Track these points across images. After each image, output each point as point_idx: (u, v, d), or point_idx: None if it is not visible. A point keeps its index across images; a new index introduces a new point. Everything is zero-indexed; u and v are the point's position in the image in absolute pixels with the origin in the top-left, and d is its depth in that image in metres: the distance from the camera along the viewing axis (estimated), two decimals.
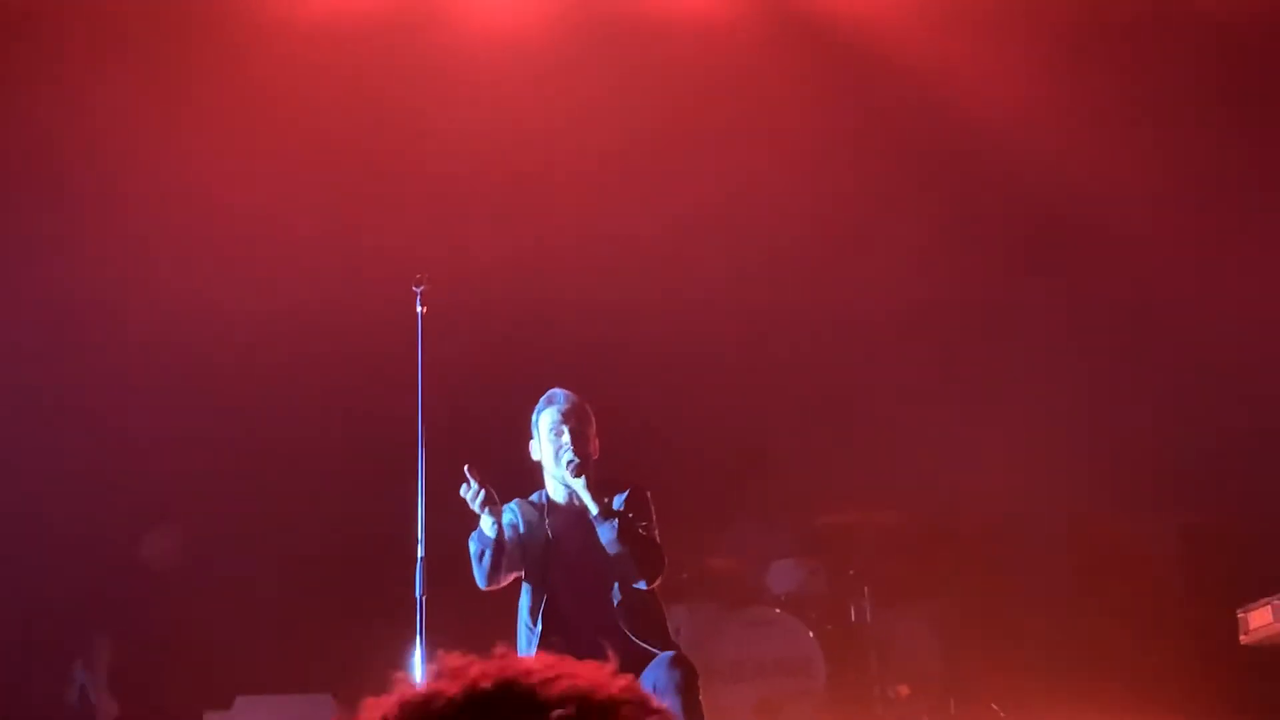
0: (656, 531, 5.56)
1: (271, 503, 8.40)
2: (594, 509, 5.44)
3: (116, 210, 8.28)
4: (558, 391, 5.64)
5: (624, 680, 1.41)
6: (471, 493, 5.31)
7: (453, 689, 1.38)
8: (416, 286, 5.66)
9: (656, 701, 1.41)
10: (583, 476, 5.44)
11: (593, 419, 5.63)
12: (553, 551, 5.52)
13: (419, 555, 5.41)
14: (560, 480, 5.57)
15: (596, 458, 5.59)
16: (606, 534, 5.41)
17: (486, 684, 1.38)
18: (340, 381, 8.34)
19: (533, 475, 5.71)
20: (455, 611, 5.86)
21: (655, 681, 5.22)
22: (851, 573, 8.51)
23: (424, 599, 5.35)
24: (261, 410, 8.40)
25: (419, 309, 5.65)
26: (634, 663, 5.31)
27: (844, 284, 8.76)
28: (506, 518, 5.47)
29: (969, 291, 8.89)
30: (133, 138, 8.10)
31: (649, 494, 5.63)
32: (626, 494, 5.55)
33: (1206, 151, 8.51)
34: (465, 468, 5.32)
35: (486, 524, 5.38)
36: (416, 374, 5.59)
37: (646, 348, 8.55)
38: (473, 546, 5.47)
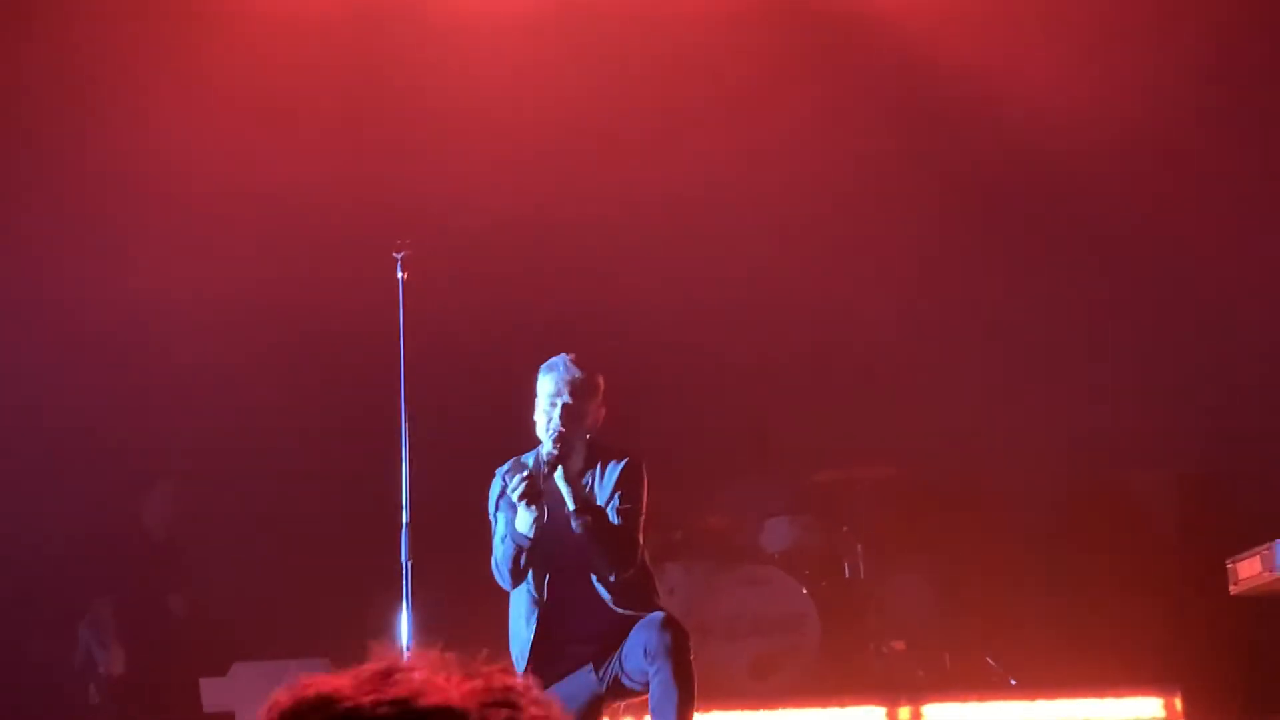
0: (642, 510, 5.43)
1: (266, 471, 8.42)
2: (570, 504, 5.32)
3: (89, 167, 8.23)
4: (559, 361, 5.44)
5: (467, 687, 1.34)
6: (519, 487, 5.21)
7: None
8: (397, 253, 5.64)
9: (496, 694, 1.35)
10: (559, 468, 5.32)
11: (596, 389, 5.44)
12: (549, 528, 5.35)
13: (404, 521, 5.42)
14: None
15: (598, 425, 5.47)
16: (580, 529, 5.31)
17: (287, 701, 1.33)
18: (327, 349, 8.33)
19: (521, 441, 5.63)
20: (444, 576, 5.88)
21: (646, 644, 5.18)
22: (845, 529, 8.52)
23: (409, 565, 5.36)
24: (259, 379, 8.39)
25: (400, 275, 5.63)
26: (626, 632, 5.29)
27: (838, 243, 8.73)
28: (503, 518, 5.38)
29: (962, 246, 8.85)
30: (100, 93, 8.04)
31: (644, 466, 5.50)
32: (622, 467, 5.43)
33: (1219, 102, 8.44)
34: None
35: (524, 521, 5.26)
36: (399, 340, 5.58)
37: (639, 308, 8.53)
38: (504, 549, 5.33)
